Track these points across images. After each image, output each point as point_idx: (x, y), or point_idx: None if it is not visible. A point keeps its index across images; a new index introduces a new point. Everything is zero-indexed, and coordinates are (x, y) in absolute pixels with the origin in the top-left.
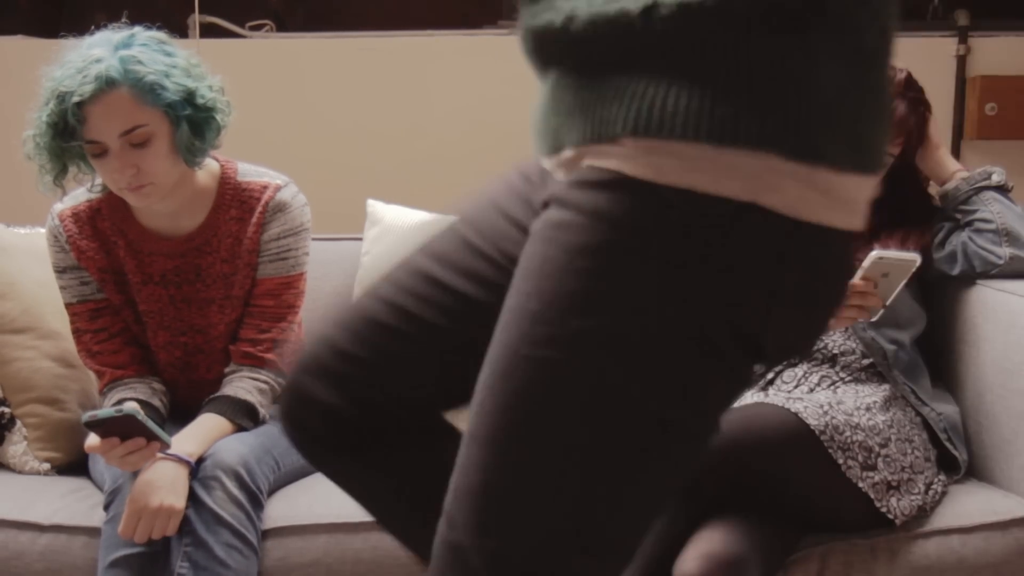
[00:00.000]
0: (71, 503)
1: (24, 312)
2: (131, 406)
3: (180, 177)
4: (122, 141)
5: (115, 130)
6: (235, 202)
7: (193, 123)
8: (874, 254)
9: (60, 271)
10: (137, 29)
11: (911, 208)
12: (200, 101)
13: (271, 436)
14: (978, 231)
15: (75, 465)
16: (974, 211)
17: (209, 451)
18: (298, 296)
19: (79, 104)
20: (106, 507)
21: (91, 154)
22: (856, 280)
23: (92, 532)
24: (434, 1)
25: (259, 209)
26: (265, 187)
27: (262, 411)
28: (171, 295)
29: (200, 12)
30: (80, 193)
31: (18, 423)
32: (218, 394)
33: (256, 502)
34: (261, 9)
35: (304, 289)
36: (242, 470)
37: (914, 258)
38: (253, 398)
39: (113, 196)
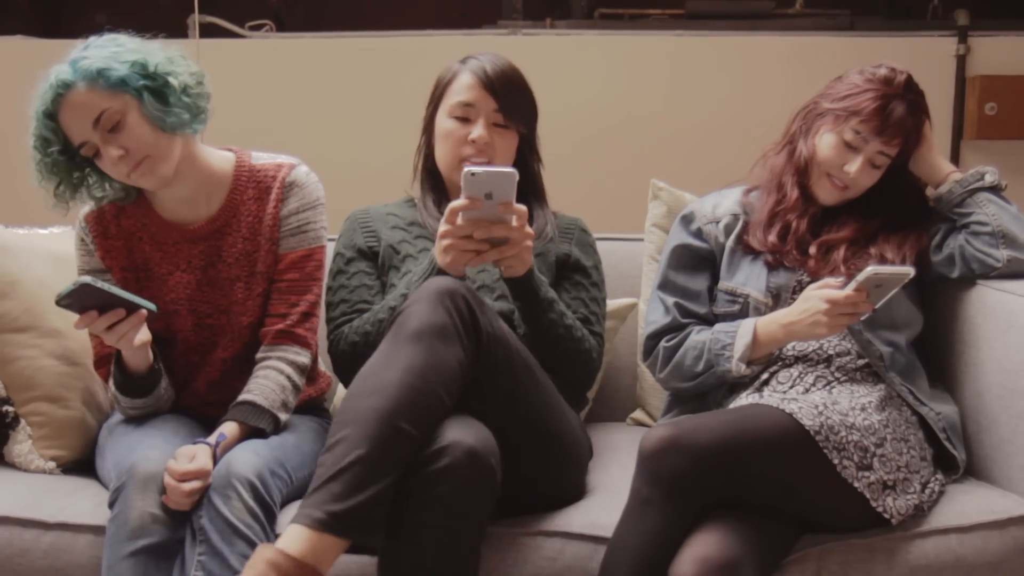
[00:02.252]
0: (76, 501)
1: (26, 311)
2: (85, 278)
3: (185, 153)
4: (99, 132)
5: (86, 124)
6: (251, 183)
7: (153, 91)
8: (869, 269)
9: (85, 275)
10: (101, 36)
11: (908, 210)
12: (151, 69)
13: (285, 449)
14: (975, 234)
15: (82, 464)
16: (969, 214)
17: (224, 460)
18: (319, 268)
19: (49, 115)
20: (111, 504)
21: (90, 156)
22: (849, 291)
23: (97, 530)
24: (434, 1)
25: (276, 187)
26: (279, 167)
27: (283, 417)
28: (197, 280)
29: (200, 12)
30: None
31: (22, 422)
32: (243, 399)
33: (270, 514)
34: (261, 9)
35: (325, 263)
36: (257, 482)
37: (908, 271)
38: (276, 398)
39: (137, 196)
